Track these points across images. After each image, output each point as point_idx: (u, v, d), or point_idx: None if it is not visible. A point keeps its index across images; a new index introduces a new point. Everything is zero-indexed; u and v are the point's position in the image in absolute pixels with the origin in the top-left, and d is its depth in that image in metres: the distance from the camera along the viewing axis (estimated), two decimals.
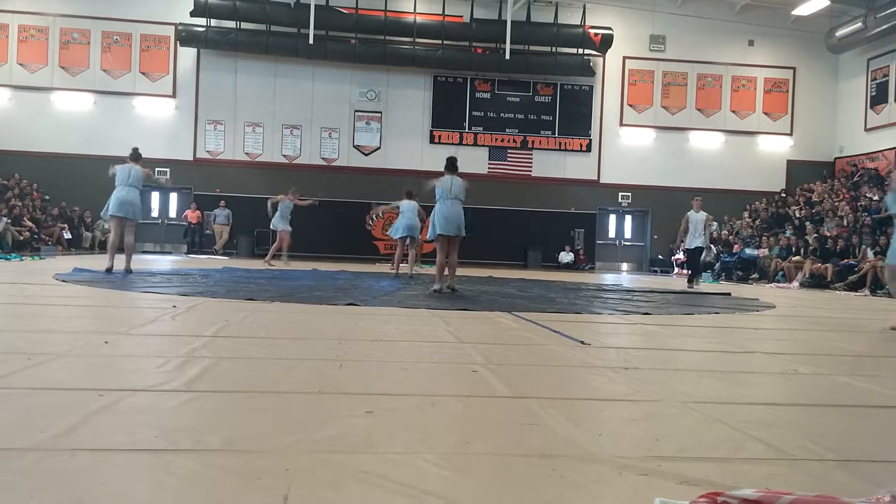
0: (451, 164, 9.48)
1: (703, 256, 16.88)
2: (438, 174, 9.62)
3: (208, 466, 1.96)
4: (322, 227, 22.64)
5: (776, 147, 24.99)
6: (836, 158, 24.94)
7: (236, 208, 22.63)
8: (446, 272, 9.22)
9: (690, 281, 13.86)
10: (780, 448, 2.36)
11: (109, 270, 10.27)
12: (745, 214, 23.70)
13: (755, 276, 19.44)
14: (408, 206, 13.22)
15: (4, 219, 17.62)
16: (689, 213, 14.24)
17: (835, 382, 3.80)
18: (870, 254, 16.21)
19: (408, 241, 13.61)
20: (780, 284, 17.55)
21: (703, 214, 14.13)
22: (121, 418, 2.41)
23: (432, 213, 9.35)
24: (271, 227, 17.07)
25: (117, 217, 10.64)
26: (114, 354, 3.68)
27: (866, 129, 23.61)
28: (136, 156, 10.94)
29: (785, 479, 2.07)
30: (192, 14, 21.89)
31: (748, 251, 20.31)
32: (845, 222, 19.32)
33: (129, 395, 2.71)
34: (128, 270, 10.43)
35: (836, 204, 20.89)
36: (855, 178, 22.63)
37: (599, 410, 2.90)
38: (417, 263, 13.85)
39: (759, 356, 4.69)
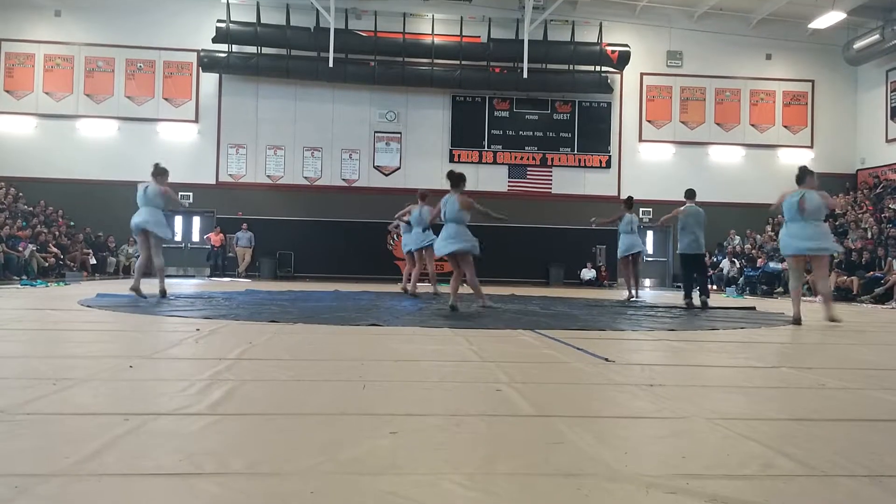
0: (450, 180, 9.41)
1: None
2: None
3: (232, 490, 1.95)
4: (343, 248, 22.77)
5: (797, 160, 24.67)
6: (858, 170, 24.74)
7: (259, 231, 22.80)
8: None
9: (705, 296, 11.58)
10: (811, 464, 2.32)
11: (137, 291, 9.96)
12: (768, 228, 23.51)
13: (780, 290, 19.22)
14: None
15: (30, 245, 17.84)
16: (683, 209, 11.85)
17: (864, 396, 3.74)
18: None
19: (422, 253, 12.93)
20: (806, 298, 17.32)
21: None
22: (145, 442, 2.41)
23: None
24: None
25: (139, 235, 10.21)
26: (138, 378, 3.69)
27: (887, 141, 23.45)
28: (155, 171, 10.32)
29: (816, 495, 2.04)
30: (214, 40, 22.22)
31: (772, 265, 20.11)
32: (870, 234, 19.11)
33: (154, 419, 2.72)
34: (162, 293, 10.09)
35: (860, 216, 20.67)
36: (878, 190, 22.41)
37: (625, 428, 2.87)
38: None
39: (786, 371, 4.63)
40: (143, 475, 2.06)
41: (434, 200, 11.76)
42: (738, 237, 23.20)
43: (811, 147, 24.84)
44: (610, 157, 24.35)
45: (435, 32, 23.17)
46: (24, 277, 16.27)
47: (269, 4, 22.74)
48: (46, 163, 22.42)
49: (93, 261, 21.00)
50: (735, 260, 21.76)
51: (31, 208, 21.25)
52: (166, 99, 23.26)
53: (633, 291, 13.81)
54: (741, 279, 20.57)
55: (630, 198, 14.62)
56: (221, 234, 22.75)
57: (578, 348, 5.36)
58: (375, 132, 23.84)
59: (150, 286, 10.48)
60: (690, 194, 12.07)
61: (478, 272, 9.47)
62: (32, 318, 7.30)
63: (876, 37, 22.57)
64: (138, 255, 10.84)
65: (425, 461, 2.29)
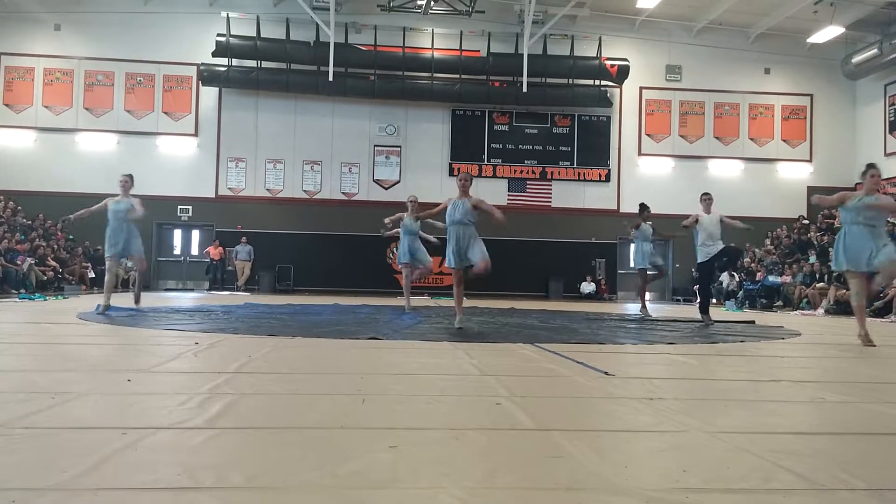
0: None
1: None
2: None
3: None
4: (342, 261, 22.76)
5: (796, 174, 24.87)
6: (857, 184, 24.68)
7: (258, 244, 22.80)
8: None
9: (705, 311, 11.06)
10: (810, 478, 2.31)
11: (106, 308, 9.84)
12: (767, 242, 23.52)
13: (779, 303, 19.22)
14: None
15: (29, 259, 17.82)
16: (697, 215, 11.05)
17: (863, 410, 3.73)
18: None
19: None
20: (805, 312, 17.33)
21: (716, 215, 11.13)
22: (144, 456, 2.40)
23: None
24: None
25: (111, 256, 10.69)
26: (137, 392, 3.68)
27: (886, 154, 23.49)
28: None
29: None
30: (214, 54, 22.29)
31: (771, 279, 20.12)
32: None
33: (152, 433, 2.71)
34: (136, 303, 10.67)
35: None
36: None
37: (625, 442, 2.86)
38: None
39: (786, 384, 4.62)
40: (141, 489, 2.05)
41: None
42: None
43: (810, 161, 24.91)
44: (609, 170, 24.40)
45: (435, 46, 23.26)
46: (23, 291, 16.26)
47: (269, 19, 22.84)
48: (45, 176, 22.44)
49: (91, 274, 20.98)
50: (734, 273, 21.75)
51: (29, 222, 21.24)
52: (166, 113, 23.31)
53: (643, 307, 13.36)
54: (740, 293, 20.57)
55: (640, 205, 13.80)
56: (220, 248, 22.75)
57: (578, 362, 5.35)
58: (375, 146, 23.89)
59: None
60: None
61: (479, 285, 9.45)
62: (31, 332, 7.29)
63: (874, 51, 22.67)
64: (135, 271, 11.29)
65: (425, 475, 2.28)
